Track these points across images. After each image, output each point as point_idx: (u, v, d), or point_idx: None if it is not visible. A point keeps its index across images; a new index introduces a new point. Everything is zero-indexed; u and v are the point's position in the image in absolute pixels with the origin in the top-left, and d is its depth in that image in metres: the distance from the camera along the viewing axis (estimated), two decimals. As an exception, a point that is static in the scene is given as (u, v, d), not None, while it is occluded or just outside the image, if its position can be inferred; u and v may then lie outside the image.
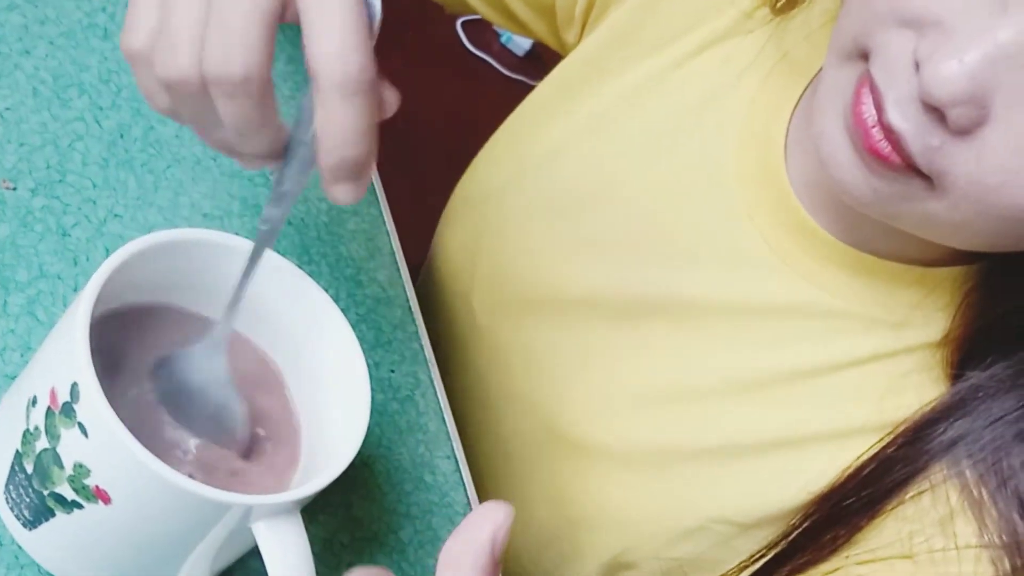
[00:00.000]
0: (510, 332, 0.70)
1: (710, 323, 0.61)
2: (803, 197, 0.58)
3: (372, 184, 0.70)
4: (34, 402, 0.43)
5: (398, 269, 0.68)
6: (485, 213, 0.72)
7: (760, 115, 0.61)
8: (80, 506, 0.42)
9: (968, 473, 0.53)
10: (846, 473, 0.56)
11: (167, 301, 0.49)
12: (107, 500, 0.41)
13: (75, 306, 0.42)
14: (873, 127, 0.46)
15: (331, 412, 0.49)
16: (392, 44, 1.96)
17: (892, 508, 0.54)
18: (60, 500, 0.43)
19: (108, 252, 0.55)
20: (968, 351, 0.55)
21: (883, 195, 0.49)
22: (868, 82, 0.47)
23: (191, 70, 0.40)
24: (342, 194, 0.43)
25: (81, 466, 0.41)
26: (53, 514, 0.43)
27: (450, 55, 2.27)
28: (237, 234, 0.59)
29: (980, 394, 0.53)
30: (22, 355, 0.50)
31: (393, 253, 0.69)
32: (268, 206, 0.45)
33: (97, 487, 0.41)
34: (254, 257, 0.46)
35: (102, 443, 0.40)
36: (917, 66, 0.44)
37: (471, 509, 0.62)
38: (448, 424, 0.65)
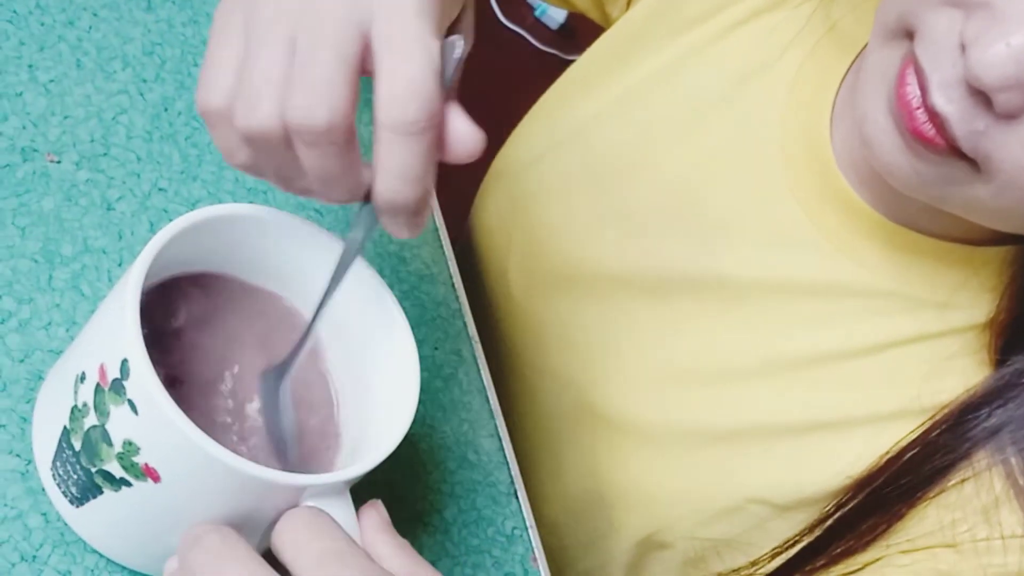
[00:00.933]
0: (545, 307, 0.69)
1: (748, 301, 0.59)
2: (848, 172, 0.57)
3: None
4: (82, 378, 0.42)
5: (441, 246, 0.68)
6: (522, 185, 0.71)
7: (805, 88, 0.59)
8: (128, 484, 0.42)
9: (1013, 460, 0.51)
10: (884, 459, 0.55)
11: (214, 271, 0.49)
12: (156, 478, 0.41)
13: (124, 282, 0.42)
14: (917, 109, 0.45)
15: (378, 390, 0.48)
16: (426, 17, 1.94)
17: (934, 496, 0.53)
18: (108, 477, 0.42)
19: (152, 226, 0.55)
20: (1013, 335, 0.54)
21: (927, 178, 0.48)
22: (912, 63, 0.46)
23: (273, 120, 0.40)
24: (396, 230, 0.43)
25: (130, 443, 0.40)
26: (101, 491, 0.43)
27: (484, 28, 2.25)
28: (281, 208, 0.59)
29: (1015, 381, 0.52)
30: (67, 330, 0.50)
31: (436, 230, 0.68)
32: (350, 233, 0.45)
33: (146, 465, 0.41)
34: (338, 273, 0.46)
35: (152, 421, 0.40)
36: (963, 48, 0.43)
37: (515, 488, 0.62)
38: (492, 402, 0.64)
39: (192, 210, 0.55)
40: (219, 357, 0.47)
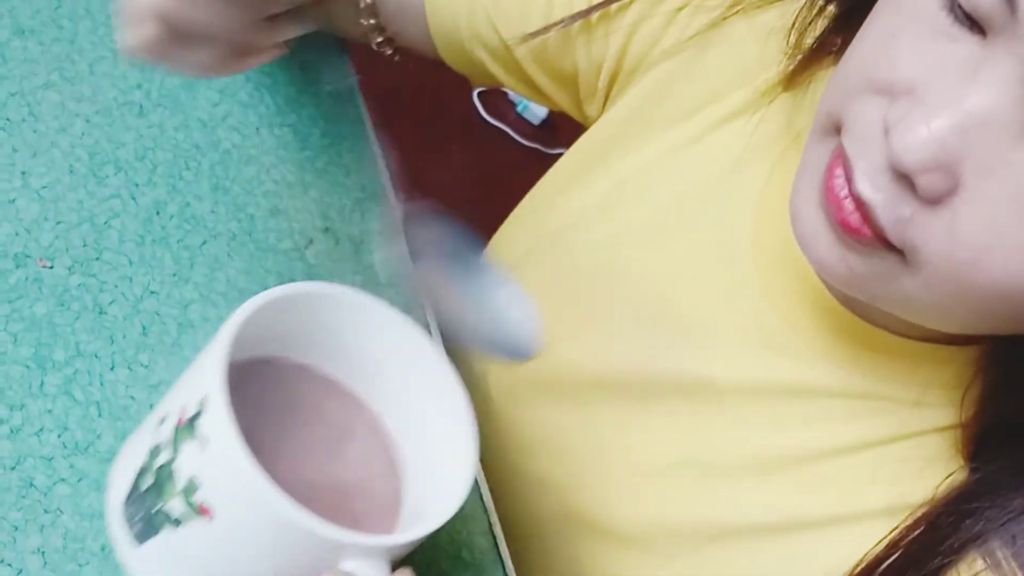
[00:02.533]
0: (525, 413, 0.69)
1: (727, 403, 0.59)
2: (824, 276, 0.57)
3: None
4: (163, 420, 0.45)
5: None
6: None
7: (775, 192, 0.60)
8: (185, 521, 0.43)
9: (1005, 566, 0.51)
10: (856, 569, 0.54)
11: (278, 355, 0.51)
12: (210, 515, 0.42)
13: (216, 337, 0.44)
14: (844, 199, 0.46)
15: (434, 463, 0.50)
16: (409, 115, 1.97)
17: None
18: (168, 515, 0.44)
19: (145, 329, 0.55)
20: (981, 437, 0.53)
21: (859, 274, 0.48)
22: (840, 155, 0.46)
23: None
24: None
25: (193, 480, 0.42)
26: (159, 530, 0.45)
27: (467, 125, 2.28)
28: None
29: (986, 490, 0.51)
30: (59, 436, 0.50)
31: (428, 327, 0.68)
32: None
33: (203, 502, 0.42)
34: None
35: (216, 454, 0.42)
36: (887, 132, 0.44)
37: (510, 587, 0.61)
38: (485, 500, 0.64)
39: (184, 312, 0.56)
40: (280, 437, 0.49)
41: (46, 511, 0.48)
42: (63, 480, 0.49)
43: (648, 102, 0.66)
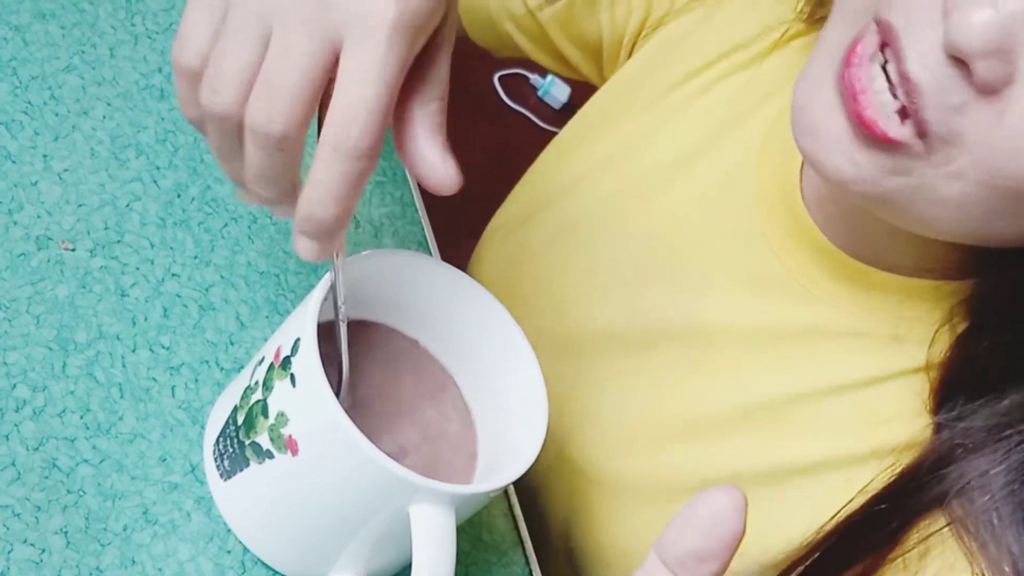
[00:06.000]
0: None
1: (726, 348, 0.59)
2: (816, 214, 0.57)
3: (427, 241, 0.70)
4: (260, 361, 0.48)
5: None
6: (511, 245, 0.72)
7: (779, 134, 0.60)
8: (271, 456, 0.46)
9: (967, 524, 0.50)
10: (822, 532, 0.54)
11: (364, 316, 0.53)
12: (295, 451, 0.44)
13: (312, 292, 0.47)
14: (861, 93, 0.43)
15: (505, 425, 0.52)
16: (430, 99, 1.97)
17: (893, 558, 0.52)
18: (256, 449, 0.46)
19: (166, 311, 0.55)
20: (951, 383, 0.52)
21: (865, 171, 0.45)
22: (875, 35, 0.43)
23: (231, 110, 0.42)
24: (301, 248, 0.44)
25: (282, 414, 0.45)
26: (247, 464, 0.47)
27: (488, 109, 2.28)
28: (293, 292, 0.59)
29: (959, 451, 0.50)
30: (81, 417, 0.50)
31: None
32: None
33: (290, 437, 0.44)
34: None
35: (305, 391, 0.44)
36: (945, 13, 0.41)
37: (530, 568, 0.61)
38: (505, 482, 0.64)
39: (205, 294, 0.56)
40: (366, 389, 0.52)
41: (68, 492, 0.48)
42: (85, 461, 0.49)
43: (657, 61, 0.67)
